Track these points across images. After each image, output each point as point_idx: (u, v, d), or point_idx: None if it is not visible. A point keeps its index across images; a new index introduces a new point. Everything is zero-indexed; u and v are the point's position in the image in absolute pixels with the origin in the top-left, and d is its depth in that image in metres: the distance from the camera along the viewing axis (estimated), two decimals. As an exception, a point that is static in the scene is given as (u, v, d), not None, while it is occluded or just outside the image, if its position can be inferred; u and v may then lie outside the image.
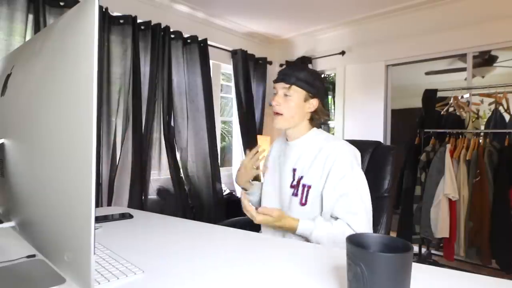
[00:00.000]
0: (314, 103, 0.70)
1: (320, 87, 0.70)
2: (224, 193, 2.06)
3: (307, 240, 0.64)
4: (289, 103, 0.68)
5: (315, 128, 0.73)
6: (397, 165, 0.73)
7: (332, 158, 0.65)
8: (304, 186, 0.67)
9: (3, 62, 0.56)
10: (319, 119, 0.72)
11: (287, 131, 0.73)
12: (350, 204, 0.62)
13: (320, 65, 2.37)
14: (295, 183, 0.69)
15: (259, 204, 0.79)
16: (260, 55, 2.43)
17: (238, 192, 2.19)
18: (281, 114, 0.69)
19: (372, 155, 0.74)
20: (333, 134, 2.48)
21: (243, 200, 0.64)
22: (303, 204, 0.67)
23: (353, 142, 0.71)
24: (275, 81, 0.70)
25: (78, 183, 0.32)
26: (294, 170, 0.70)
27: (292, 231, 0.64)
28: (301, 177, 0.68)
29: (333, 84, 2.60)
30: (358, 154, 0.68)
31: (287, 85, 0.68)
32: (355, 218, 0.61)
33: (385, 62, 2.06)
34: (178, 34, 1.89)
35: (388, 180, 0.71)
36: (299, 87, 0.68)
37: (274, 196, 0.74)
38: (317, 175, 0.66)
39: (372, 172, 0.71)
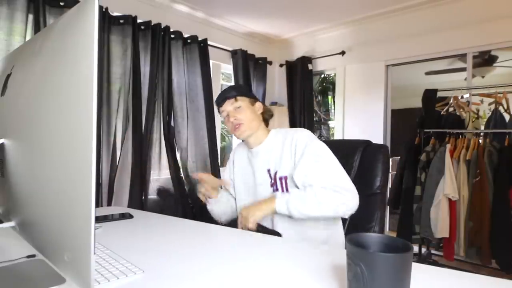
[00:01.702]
0: (259, 105, 0.80)
1: (252, 94, 0.82)
2: (224, 193, 2.06)
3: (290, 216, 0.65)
4: (244, 112, 0.76)
5: (272, 130, 0.80)
6: (388, 163, 0.75)
7: (294, 141, 0.72)
8: (281, 178, 0.71)
9: (3, 62, 0.56)
10: (269, 117, 0.82)
11: (249, 139, 0.78)
12: (318, 169, 0.66)
13: (320, 65, 2.37)
14: (273, 181, 0.73)
15: (229, 211, 0.82)
16: (260, 55, 2.43)
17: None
18: (242, 123, 0.75)
19: (362, 154, 0.76)
20: (332, 134, 2.48)
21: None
22: None
23: (342, 142, 0.72)
24: (220, 104, 0.78)
25: (78, 183, 0.32)
26: (269, 170, 0.74)
27: (272, 208, 0.66)
28: (276, 172, 0.73)
29: (333, 84, 2.61)
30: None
31: (232, 99, 0.76)
32: (325, 179, 0.65)
33: (385, 62, 2.06)
34: (178, 34, 1.89)
35: (380, 178, 0.72)
36: (242, 96, 0.77)
37: (250, 201, 0.76)
38: (288, 164, 0.71)
39: (363, 170, 0.73)
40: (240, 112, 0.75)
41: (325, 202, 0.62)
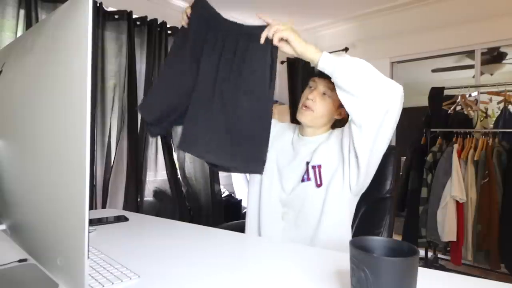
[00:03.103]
0: (344, 112, 0.68)
1: None
2: (223, 195, 2.03)
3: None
4: (324, 103, 0.66)
5: (331, 129, 0.72)
6: (399, 166, 0.72)
7: (336, 133, 0.67)
8: (314, 167, 0.65)
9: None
10: (339, 125, 0.71)
11: (308, 127, 0.71)
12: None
13: (323, 64, 2.34)
14: (305, 172, 0.67)
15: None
16: (261, 53, 2.40)
17: (238, 194, 2.17)
18: (312, 110, 0.66)
19: None
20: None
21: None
22: (319, 186, 0.64)
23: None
24: (320, 75, 0.66)
25: (71, 185, 0.31)
26: (308, 163, 0.68)
27: (313, 51, 0.56)
28: (308, 162, 0.67)
29: (336, 82, 2.56)
30: None
31: (333, 86, 0.62)
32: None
33: (390, 59, 2.03)
34: (175, 30, 1.86)
35: (390, 181, 0.69)
36: None
37: (276, 185, 0.69)
38: (326, 154, 0.65)
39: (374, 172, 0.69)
40: (322, 100, 0.65)
41: (380, 74, 0.54)
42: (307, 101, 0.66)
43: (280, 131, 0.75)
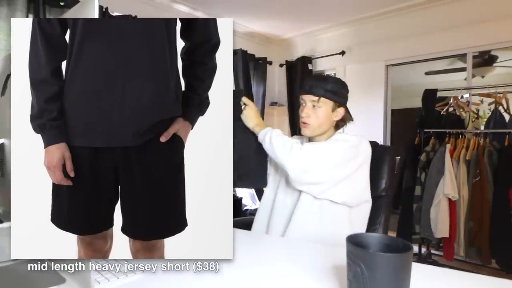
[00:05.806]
0: (340, 112, 0.74)
1: (346, 96, 0.75)
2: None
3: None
4: (318, 114, 0.72)
5: (337, 133, 0.76)
6: (394, 165, 0.74)
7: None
8: None
9: (3, 62, 0.56)
10: (344, 125, 0.77)
11: (311, 138, 0.76)
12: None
13: (320, 65, 2.37)
14: None
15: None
16: (260, 55, 2.43)
17: (238, 192, 2.19)
18: (309, 124, 0.73)
19: None
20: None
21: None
22: None
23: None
24: (303, 93, 0.74)
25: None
26: None
27: (256, 128, 0.72)
28: None
29: (333, 84, 2.60)
30: (360, 148, 0.70)
31: (316, 98, 0.71)
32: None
33: (385, 62, 2.06)
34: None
35: (385, 180, 0.72)
36: (327, 99, 0.71)
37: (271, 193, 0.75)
38: None
39: (369, 172, 0.72)
40: (314, 112, 0.71)
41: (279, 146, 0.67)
42: (302, 119, 0.73)
43: None
